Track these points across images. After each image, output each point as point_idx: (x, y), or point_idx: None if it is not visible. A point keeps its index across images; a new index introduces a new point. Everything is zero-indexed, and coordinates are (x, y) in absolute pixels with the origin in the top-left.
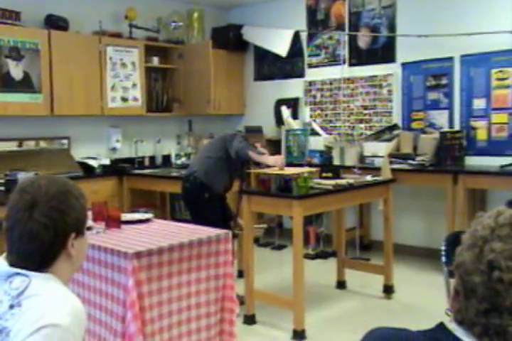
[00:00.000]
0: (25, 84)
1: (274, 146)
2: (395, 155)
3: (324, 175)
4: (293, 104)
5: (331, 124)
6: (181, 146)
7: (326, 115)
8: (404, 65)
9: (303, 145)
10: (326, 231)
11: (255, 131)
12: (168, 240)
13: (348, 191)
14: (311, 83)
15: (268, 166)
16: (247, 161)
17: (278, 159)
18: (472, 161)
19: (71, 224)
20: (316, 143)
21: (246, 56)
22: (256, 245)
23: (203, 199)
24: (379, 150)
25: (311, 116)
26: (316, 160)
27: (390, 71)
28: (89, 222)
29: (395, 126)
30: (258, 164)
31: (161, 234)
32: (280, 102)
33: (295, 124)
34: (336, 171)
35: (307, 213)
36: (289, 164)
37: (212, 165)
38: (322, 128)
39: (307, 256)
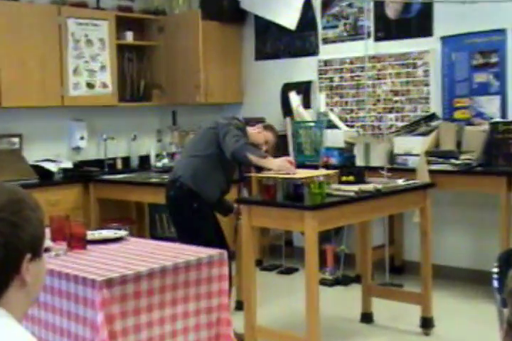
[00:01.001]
0: None
1: (280, 143)
2: (434, 153)
3: (344, 178)
4: (304, 89)
5: (352, 114)
6: (163, 144)
7: (346, 103)
8: (444, 39)
9: (317, 142)
10: (347, 250)
11: (254, 122)
12: (147, 264)
13: (374, 199)
14: (326, 63)
15: (261, 169)
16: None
17: (284, 163)
18: None
19: (26, 242)
20: (334, 138)
21: (244, 29)
22: (259, 268)
23: (191, 211)
24: (413, 146)
25: (327, 105)
26: (333, 161)
27: (426, 47)
28: (47, 242)
29: (433, 117)
30: (260, 167)
31: (138, 256)
32: (288, 87)
33: (307, 115)
34: (360, 174)
35: (323, 228)
36: (300, 165)
37: (201, 166)
38: (341, 119)
39: (324, 282)
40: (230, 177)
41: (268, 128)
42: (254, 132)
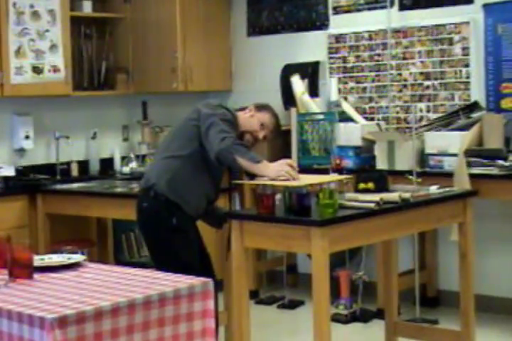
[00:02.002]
0: None
1: (277, 139)
2: (477, 153)
3: (362, 186)
4: (311, 72)
5: (372, 104)
6: (130, 144)
7: (364, 89)
8: (487, 7)
9: (327, 139)
10: (366, 277)
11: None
12: (110, 297)
13: (401, 212)
14: (338, 38)
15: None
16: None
17: (283, 167)
18: None
19: None
20: (349, 134)
21: None
22: (254, 301)
23: (170, 228)
24: (450, 144)
25: (339, 92)
26: (348, 163)
27: (465, 18)
28: None
29: (474, 106)
30: (252, 175)
31: (99, 287)
32: (290, 70)
33: (314, 105)
34: (382, 180)
35: (336, 249)
36: (306, 169)
37: (181, 169)
38: (358, 110)
39: (337, 319)
40: (218, 181)
41: (262, 108)
42: (246, 116)
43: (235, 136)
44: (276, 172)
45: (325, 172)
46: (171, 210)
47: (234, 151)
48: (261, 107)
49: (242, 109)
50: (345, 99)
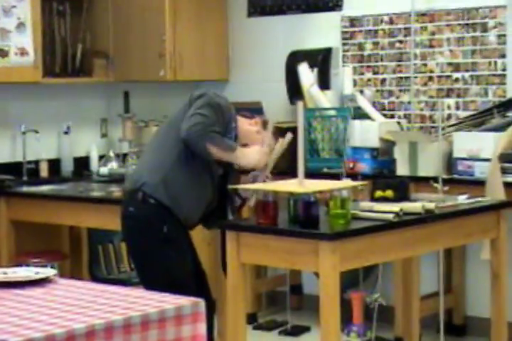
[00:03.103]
0: None
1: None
2: None
3: (380, 194)
4: (321, 60)
5: (392, 99)
6: (109, 141)
7: (383, 82)
8: None
9: (340, 139)
10: (382, 300)
11: (250, 113)
12: (84, 318)
13: (423, 225)
14: (354, 21)
15: (245, 171)
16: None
17: (260, 153)
18: None
19: None
20: (365, 133)
21: None
22: (252, 326)
23: (160, 238)
24: (482, 147)
25: (354, 84)
26: (363, 167)
27: (502, 0)
28: None
29: (511, 103)
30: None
31: (71, 306)
32: (297, 57)
33: (325, 99)
34: (402, 187)
35: (348, 266)
36: (313, 174)
37: (176, 168)
38: (376, 105)
39: None
40: (219, 184)
41: (271, 128)
42: (249, 128)
43: (212, 122)
44: (254, 161)
45: (336, 177)
46: (162, 216)
47: (206, 136)
48: (265, 122)
49: (246, 115)
50: (361, 92)
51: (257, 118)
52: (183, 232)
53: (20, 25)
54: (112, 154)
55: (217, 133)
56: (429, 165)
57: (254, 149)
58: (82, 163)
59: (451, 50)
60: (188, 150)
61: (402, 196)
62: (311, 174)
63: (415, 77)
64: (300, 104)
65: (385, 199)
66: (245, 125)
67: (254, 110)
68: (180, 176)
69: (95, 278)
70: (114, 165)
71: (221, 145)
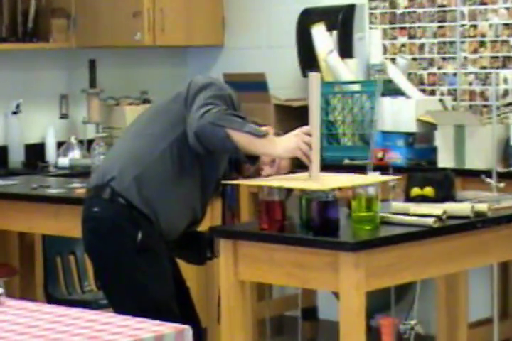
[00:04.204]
0: None
1: (292, 121)
2: None
3: (417, 192)
4: (341, 21)
5: (432, 70)
6: (71, 123)
7: (422, 48)
8: None
9: (365, 121)
10: (420, 327)
11: (249, 88)
12: None
13: (473, 232)
14: None
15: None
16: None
17: (300, 138)
18: None
19: None
20: (398, 114)
21: None
22: None
23: (132, 247)
24: None
25: (384, 52)
26: (396, 157)
27: None
28: None
29: None
30: (253, 161)
31: (22, 335)
32: (311, 17)
33: (347, 70)
34: (445, 183)
35: (376, 285)
36: (332, 166)
37: (157, 164)
38: (412, 78)
39: None
40: (209, 189)
41: None
42: None
43: (227, 106)
44: (292, 150)
45: (361, 170)
46: (135, 219)
47: (225, 123)
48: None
49: (255, 122)
50: (393, 61)
51: (268, 127)
52: (163, 242)
53: None
54: (73, 140)
55: (237, 115)
56: (480, 154)
57: (290, 136)
58: (35, 152)
59: (507, 8)
60: (175, 146)
61: (445, 195)
62: (328, 166)
63: (462, 43)
64: (314, 77)
65: (423, 199)
66: None
67: (255, 85)
68: (161, 176)
69: (52, 299)
70: (76, 154)
71: (246, 129)
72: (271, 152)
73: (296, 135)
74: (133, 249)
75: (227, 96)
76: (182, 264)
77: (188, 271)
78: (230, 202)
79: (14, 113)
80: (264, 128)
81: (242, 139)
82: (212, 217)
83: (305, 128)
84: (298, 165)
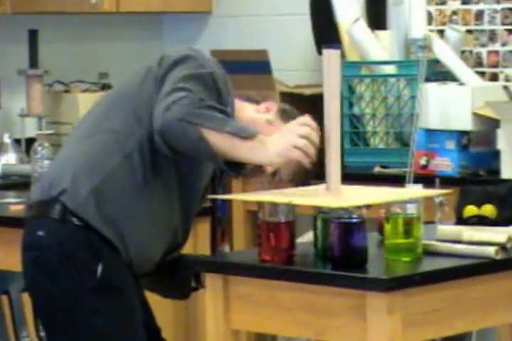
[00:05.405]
0: None
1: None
2: None
3: (473, 211)
4: None
5: (494, 47)
6: (5, 116)
7: (480, 17)
8: None
9: (403, 116)
10: None
11: (246, 70)
12: None
13: None
14: None
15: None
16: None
17: (296, 133)
18: None
19: None
20: (449, 107)
21: None
22: None
23: (89, 283)
24: None
25: (429, 22)
26: (446, 164)
27: None
28: None
29: None
30: (237, 169)
31: None
32: None
33: (378, 46)
34: (511, 199)
35: (416, 338)
36: (357, 175)
37: (121, 170)
38: (465, 58)
39: None
40: (193, 203)
41: (291, 117)
42: (256, 117)
43: (204, 98)
44: (286, 151)
45: (398, 181)
46: (93, 247)
47: (199, 120)
48: (290, 114)
49: (250, 98)
50: (441, 34)
51: (268, 102)
52: (129, 277)
53: None
54: (7, 139)
55: (217, 110)
56: None
57: (281, 134)
58: None
59: None
60: (149, 148)
61: (510, 215)
62: (353, 176)
63: None
64: (333, 55)
65: (481, 221)
66: (248, 112)
67: (254, 66)
68: (124, 188)
69: None
70: (10, 158)
71: (227, 128)
72: (259, 158)
73: (289, 130)
74: (91, 287)
75: (208, 76)
76: (154, 302)
77: (162, 312)
78: (222, 215)
79: None
80: (262, 116)
81: (221, 142)
82: (197, 235)
83: (302, 119)
84: (314, 174)
